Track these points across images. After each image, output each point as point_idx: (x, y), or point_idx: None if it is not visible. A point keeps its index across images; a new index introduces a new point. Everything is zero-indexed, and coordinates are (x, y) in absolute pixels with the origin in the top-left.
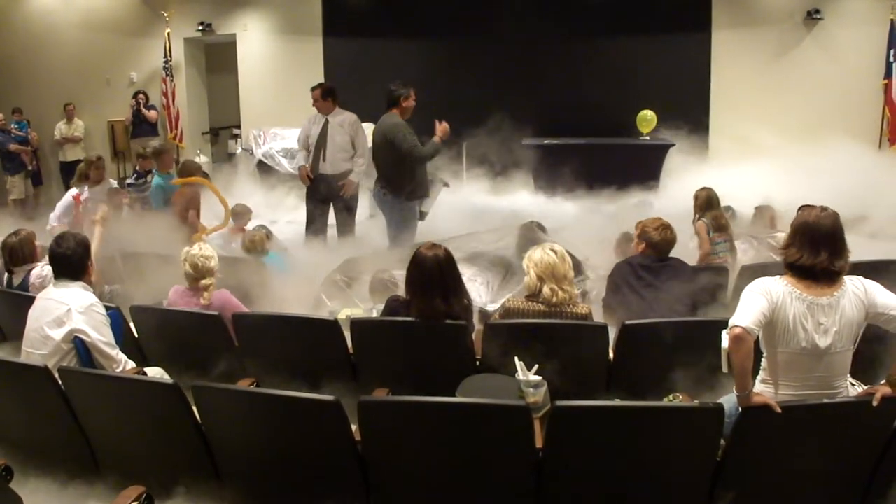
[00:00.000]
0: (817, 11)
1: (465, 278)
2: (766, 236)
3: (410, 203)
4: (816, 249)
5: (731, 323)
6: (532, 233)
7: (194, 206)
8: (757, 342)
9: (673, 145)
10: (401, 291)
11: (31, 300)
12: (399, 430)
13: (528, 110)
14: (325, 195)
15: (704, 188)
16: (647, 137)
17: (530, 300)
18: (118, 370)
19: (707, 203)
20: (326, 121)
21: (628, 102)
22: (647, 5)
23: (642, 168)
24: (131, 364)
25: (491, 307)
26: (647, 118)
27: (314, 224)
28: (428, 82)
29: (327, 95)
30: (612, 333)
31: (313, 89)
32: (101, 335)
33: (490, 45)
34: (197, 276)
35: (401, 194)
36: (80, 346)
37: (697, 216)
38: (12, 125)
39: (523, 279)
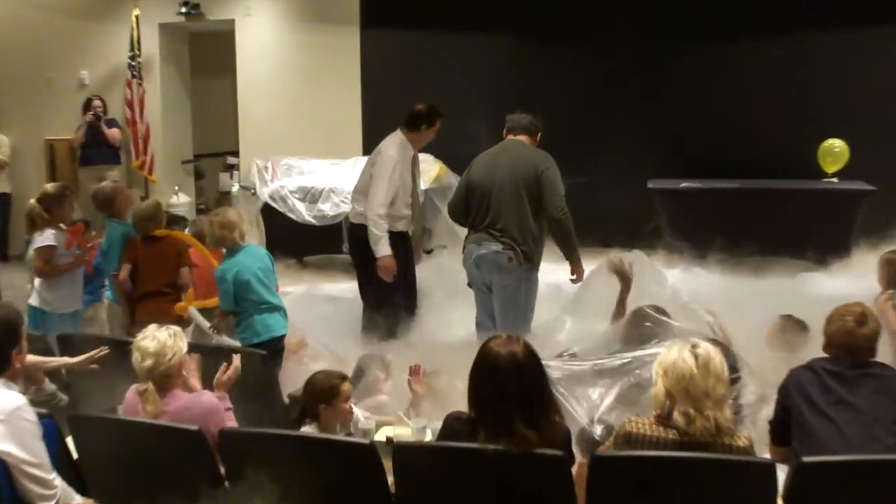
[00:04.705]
0: None
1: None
2: None
3: (536, 275)
4: None
5: None
6: (643, 322)
7: (186, 262)
8: None
9: (873, 191)
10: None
11: None
12: None
13: (649, 140)
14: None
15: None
16: (835, 179)
17: (661, 423)
18: None
19: None
20: (416, 156)
21: (802, 128)
22: None
23: (825, 224)
24: (77, 498)
25: (598, 428)
26: (833, 151)
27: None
28: (495, 91)
29: None
30: (783, 473)
31: (430, 117)
32: (29, 454)
33: (584, 45)
34: (139, 373)
35: (532, 261)
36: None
37: (882, 290)
38: None
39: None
